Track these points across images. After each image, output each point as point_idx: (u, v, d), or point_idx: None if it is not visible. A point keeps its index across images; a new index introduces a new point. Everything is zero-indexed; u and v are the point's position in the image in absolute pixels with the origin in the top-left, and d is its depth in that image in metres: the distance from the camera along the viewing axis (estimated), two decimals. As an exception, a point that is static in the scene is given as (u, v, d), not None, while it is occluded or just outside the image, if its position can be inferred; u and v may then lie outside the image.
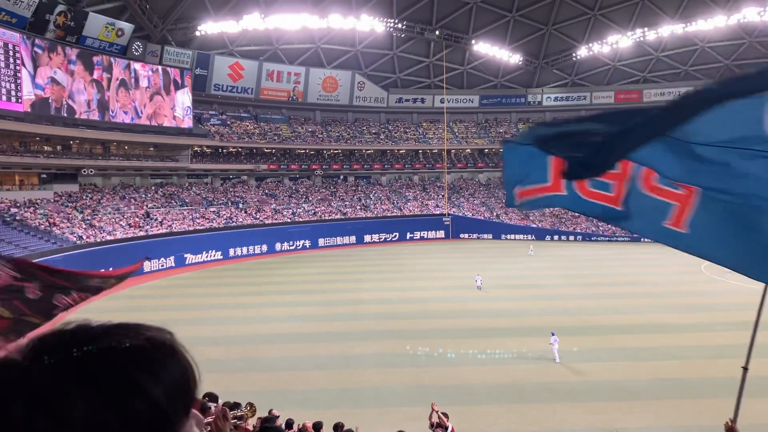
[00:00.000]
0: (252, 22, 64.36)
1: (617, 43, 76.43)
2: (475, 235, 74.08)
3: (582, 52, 79.30)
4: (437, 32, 76.45)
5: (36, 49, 49.91)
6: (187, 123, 65.50)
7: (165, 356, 1.01)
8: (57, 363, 0.92)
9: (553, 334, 23.81)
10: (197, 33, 64.75)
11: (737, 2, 69.41)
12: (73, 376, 0.91)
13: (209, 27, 63.87)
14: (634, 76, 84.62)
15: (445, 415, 13.61)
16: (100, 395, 0.90)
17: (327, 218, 69.74)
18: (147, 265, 49.32)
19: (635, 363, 22.82)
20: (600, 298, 35.29)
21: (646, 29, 73.88)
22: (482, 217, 76.29)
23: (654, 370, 21.91)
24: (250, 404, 10.04)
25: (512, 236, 71.87)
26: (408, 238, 72.20)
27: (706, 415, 17.79)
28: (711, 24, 70.47)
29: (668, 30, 73.12)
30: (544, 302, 34.38)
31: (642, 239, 69.23)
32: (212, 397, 8.55)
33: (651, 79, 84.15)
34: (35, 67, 49.80)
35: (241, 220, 63.53)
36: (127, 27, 57.65)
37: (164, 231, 55.09)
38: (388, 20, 71.82)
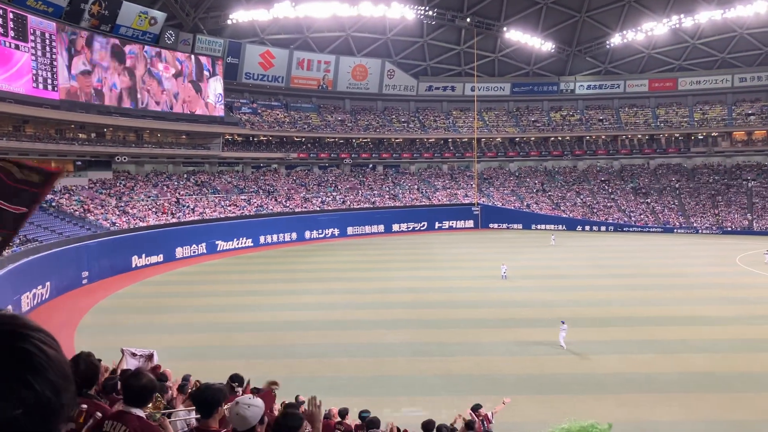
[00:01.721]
0: (282, 11, 64.48)
1: (652, 30, 74.84)
2: (504, 225, 73.63)
3: (616, 39, 77.89)
4: (468, 19, 75.77)
5: (71, 37, 50.72)
6: (219, 111, 66.07)
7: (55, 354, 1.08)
8: None
9: (563, 322, 23.75)
10: (229, 21, 65.16)
11: (778, -13, 67.40)
12: None
13: (240, 15, 64.22)
14: (669, 64, 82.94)
15: (477, 408, 13.31)
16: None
17: (356, 207, 69.93)
18: (179, 251, 50.13)
19: (665, 355, 22.55)
20: (629, 290, 34.87)
21: (682, 16, 72.15)
22: (512, 207, 75.77)
23: (684, 363, 21.63)
24: (274, 382, 10.20)
25: (542, 226, 71.28)
26: (437, 227, 72.07)
27: (738, 409, 17.55)
28: (751, 10, 68.54)
29: (706, 16, 71.36)
30: (573, 293, 34.11)
31: (675, 230, 68.18)
32: (238, 379, 8.69)
33: (686, 67, 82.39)
34: (70, 56, 50.62)
35: (271, 207, 64.04)
36: (160, 15, 58.23)
37: (196, 218, 55.79)
38: (419, 7, 71.36)
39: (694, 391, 19.02)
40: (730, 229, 66.89)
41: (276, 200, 65.97)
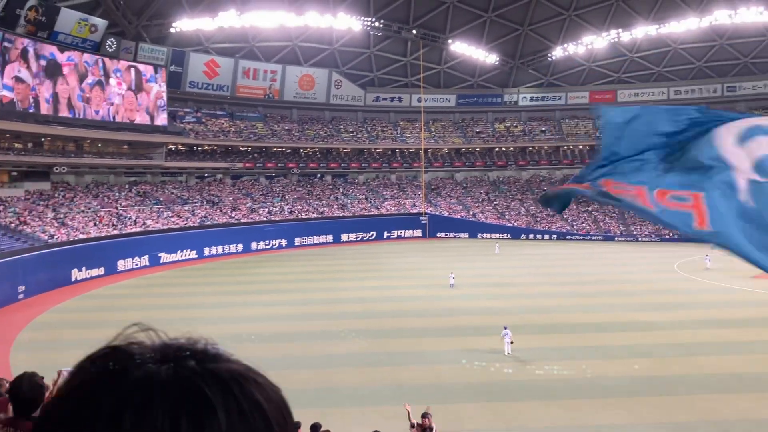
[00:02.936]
0: (228, 20, 63.86)
1: (592, 43, 77.24)
2: (451, 234, 74.35)
3: (557, 52, 80.00)
4: (414, 31, 76.57)
5: (6, 44, 48.94)
6: (162, 120, 64.81)
7: (266, 383, 1.06)
8: (195, 371, 0.92)
9: (505, 328, 24.10)
10: (172, 30, 64.10)
11: (709, 5, 70.58)
12: (208, 386, 0.89)
13: (185, 24, 63.27)
14: (609, 77, 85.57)
15: (425, 416, 13.37)
16: (233, 407, 0.89)
17: (304, 217, 69.50)
18: (121, 264, 48.78)
19: (608, 361, 23.07)
20: (574, 296, 35.61)
21: (620, 30, 74.74)
22: (459, 216, 76.61)
23: (627, 368, 22.17)
24: None
25: (488, 235, 72.23)
26: (385, 237, 72.24)
27: (679, 412, 18.07)
28: (683, 26, 71.55)
29: (642, 31, 74.09)
30: (518, 300, 34.64)
31: (616, 238, 70.18)
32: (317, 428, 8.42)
33: (625, 79, 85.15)
34: (4, 63, 48.83)
35: (216, 218, 63.06)
36: (101, 23, 56.83)
37: (138, 230, 54.47)
38: (365, 19, 71.75)
39: (637, 394, 19.49)
40: (668, 236, 69.11)
41: (221, 211, 64.99)
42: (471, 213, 77.48)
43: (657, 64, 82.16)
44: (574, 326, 28.23)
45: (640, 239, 69.51)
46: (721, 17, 69.20)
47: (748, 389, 19.59)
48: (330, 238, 68.58)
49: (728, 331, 26.45)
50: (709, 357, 23.13)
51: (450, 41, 78.05)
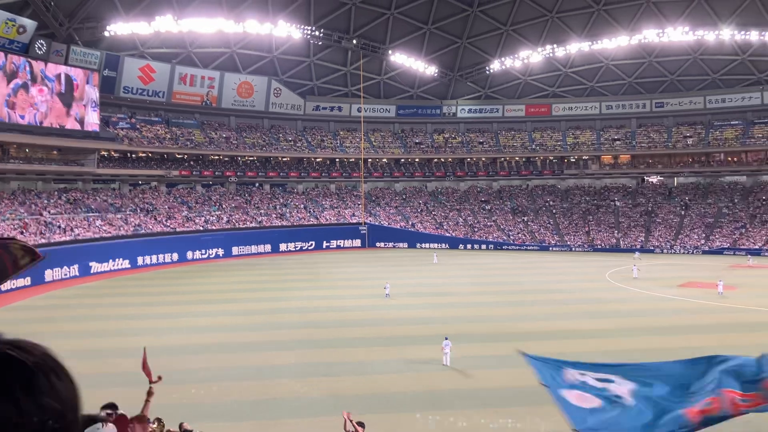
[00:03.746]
0: (165, 24, 62.53)
1: (528, 58, 79.22)
2: (390, 244, 74.65)
3: (495, 65, 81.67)
4: (354, 41, 76.83)
5: (-74, 43, 46.60)
6: (94, 126, 62.81)
7: (60, 373, 1.24)
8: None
9: (446, 339, 24.28)
10: (106, 33, 62.26)
11: (638, 23, 73.47)
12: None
13: (119, 27, 61.58)
14: (544, 91, 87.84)
15: (361, 424, 13.43)
16: (13, 392, 1.08)
17: (241, 226, 68.54)
18: (48, 274, 46.88)
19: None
20: (510, 305, 36.24)
21: (555, 46, 76.95)
22: (398, 226, 77.01)
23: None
24: (158, 419, 9.65)
25: (427, 245, 72.87)
26: (324, 246, 71.94)
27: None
28: (615, 43, 74.27)
29: (576, 47, 76.46)
30: (456, 310, 35.01)
31: (550, 248, 71.92)
32: (112, 407, 8.15)
33: (559, 94, 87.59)
34: (-75, 62, 46.47)
35: (150, 227, 61.47)
36: (30, 24, 54.78)
37: (68, 238, 52.56)
38: (306, 27, 71.55)
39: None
40: (599, 246, 71.29)
41: (156, 219, 63.41)
42: (410, 223, 78.02)
43: (590, 80, 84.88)
44: (511, 335, 28.68)
45: (573, 249, 71.41)
46: (649, 36, 72.20)
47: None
48: (268, 247, 67.84)
49: (659, 339, 27.40)
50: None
51: (390, 52, 78.66)
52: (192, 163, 74.13)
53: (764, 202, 73.84)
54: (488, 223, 78.64)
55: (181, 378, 22.67)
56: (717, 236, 69.38)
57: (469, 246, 73.38)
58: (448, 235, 75.70)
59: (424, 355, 25.09)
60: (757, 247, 64.94)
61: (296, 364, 24.41)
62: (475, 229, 77.14)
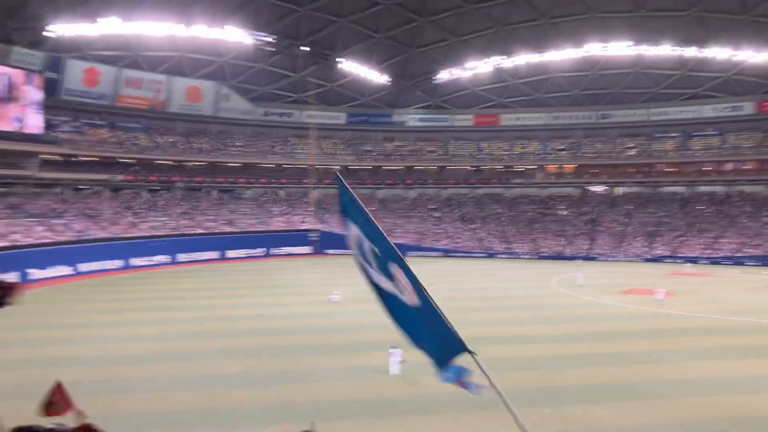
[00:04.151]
0: (111, 27, 61.29)
1: (476, 68, 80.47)
2: (341, 251, 74.44)
3: (444, 75, 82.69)
4: (305, 48, 76.65)
5: None
6: (35, 129, 61.00)
7: None
8: None
9: (395, 348, 24.06)
10: (49, 34, 60.60)
11: (583, 37, 75.50)
12: None
13: (63, 28, 60.14)
14: (492, 101, 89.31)
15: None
16: None
17: (188, 233, 67.39)
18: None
19: (491, 373, 23.76)
20: (458, 312, 36.40)
21: (503, 57, 78.41)
22: (348, 233, 76.80)
23: (509, 380, 22.97)
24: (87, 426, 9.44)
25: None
26: (274, 254, 71.34)
27: (558, 421, 18.94)
28: (561, 55, 76.17)
29: (523, 59, 78.06)
30: (407, 317, 35.12)
31: (498, 255, 73.03)
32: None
33: (507, 104, 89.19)
34: None
35: (94, 233, 59.89)
36: (-33, 22, 52.91)
37: (7, 244, 50.77)
38: (256, 33, 71.08)
39: (517, 406, 20.23)
40: (545, 254, 72.70)
41: (99, 225, 61.83)
42: (360, 230, 77.92)
43: (537, 91, 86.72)
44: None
45: (520, 256, 72.65)
46: (593, 49, 74.29)
47: (630, 398, 20.88)
48: (216, 254, 66.91)
49: (601, 344, 28.13)
50: (579, 369, 24.46)
51: (341, 59, 78.76)
52: (138, 167, 72.64)
53: (701, 212, 76.67)
54: (437, 231, 79.35)
55: (126, 387, 22.18)
56: (658, 244, 71.63)
57: (418, 253, 73.78)
58: (397, 242, 75.78)
59: (374, 362, 25.13)
60: (695, 254, 67.29)
61: (244, 373, 24.13)
62: (425, 237, 77.72)
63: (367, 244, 6.46)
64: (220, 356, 26.51)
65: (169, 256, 63.04)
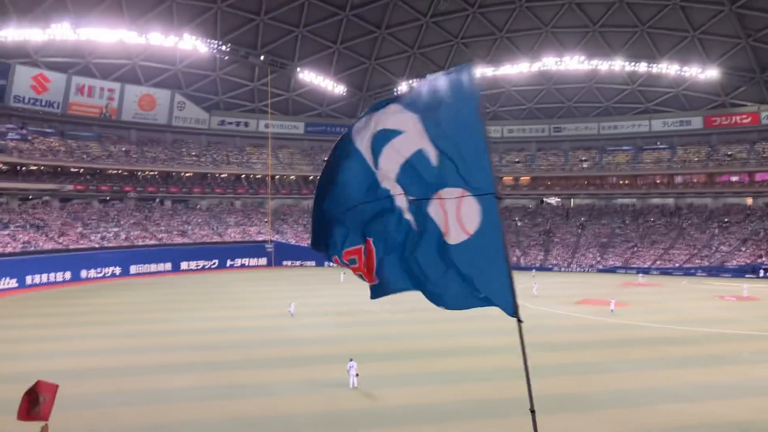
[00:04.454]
0: (61, 32, 59.76)
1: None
2: (298, 263, 73.88)
3: (403, 87, 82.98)
4: (262, 57, 76.11)
5: None
6: (-20, 136, 58.95)
7: None
8: None
9: (351, 360, 23.90)
10: (-5, 38, 58.81)
11: (539, 51, 76.85)
12: None
13: (10, 33, 58.35)
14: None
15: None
16: None
17: (140, 244, 65.92)
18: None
19: (447, 386, 23.77)
20: (414, 323, 36.51)
21: (460, 70, 79.18)
22: (305, 244, 76.28)
23: (464, 392, 22.96)
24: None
25: (334, 264, 72.38)
26: (228, 265, 70.28)
27: (511, 432, 18.92)
28: (516, 69, 77.27)
29: (479, 72, 78.88)
30: (361, 328, 34.94)
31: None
32: None
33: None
34: None
35: (41, 244, 58.08)
36: None
37: (-54, 256, 48.87)
38: (212, 41, 70.28)
39: (473, 418, 20.21)
40: (501, 265, 73.20)
41: (47, 236, 60.00)
42: (317, 241, 77.40)
43: (493, 104, 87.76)
44: (415, 353, 28.88)
45: (476, 267, 73.00)
46: (548, 63, 75.61)
47: (577, 409, 21.00)
48: (169, 266, 65.57)
49: (554, 354, 28.33)
50: (543, 379, 24.56)
51: (299, 69, 78.44)
52: (88, 177, 70.84)
53: (653, 224, 78.44)
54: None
55: (74, 403, 21.36)
56: (610, 255, 72.95)
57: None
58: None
59: (330, 375, 24.81)
60: (646, 265, 68.73)
61: (195, 387, 23.53)
62: (382, 248, 77.55)
63: (418, 166, 4.87)
64: (170, 370, 25.81)
65: (120, 268, 61.52)
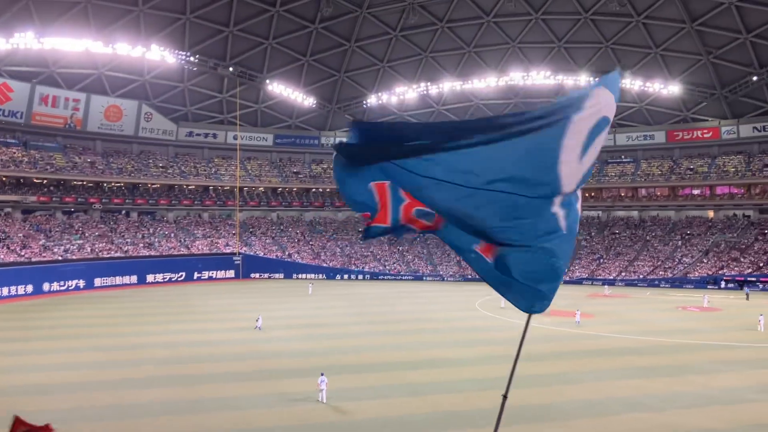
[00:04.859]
0: (24, 41, 58.81)
1: (404, 94, 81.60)
2: (266, 275, 73.38)
3: (372, 100, 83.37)
4: (231, 68, 75.79)
5: None
6: (-61, 146, 57.57)
7: None
8: None
9: (322, 374, 23.69)
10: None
11: (506, 65, 77.89)
12: None
13: (-28, 41, 57.26)
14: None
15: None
16: None
17: (105, 256, 64.85)
18: None
19: (416, 397, 23.81)
20: (384, 335, 36.55)
21: (429, 83, 79.91)
22: (274, 256, 75.90)
23: (433, 404, 23.02)
24: None
25: (303, 275, 72.29)
26: (196, 278, 69.48)
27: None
28: (484, 83, 78.17)
29: (448, 86, 79.73)
30: (331, 341, 34.81)
31: (424, 277, 73.59)
32: None
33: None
34: None
35: (2, 257, 56.80)
36: None
37: None
38: (180, 52, 69.78)
39: (443, 429, 20.25)
40: (470, 276, 73.70)
41: (8, 248, 58.70)
42: (287, 253, 77.16)
43: (462, 117, 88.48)
44: (385, 365, 28.88)
45: (446, 279, 73.42)
46: (515, 77, 76.65)
47: (544, 419, 21.19)
48: (134, 278, 64.62)
49: (525, 365, 28.52)
50: (511, 390, 24.72)
51: (268, 81, 78.25)
52: (52, 188, 69.56)
53: (617, 236, 79.73)
54: (365, 254, 79.32)
55: (37, 420, 20.82)
56: (576, 267, 73.90)
57: (345, 276, 73.55)
58: (325, 265, 75.52)
59: (299, 389, 24.67)
60: (611, 277, 69.76)
61: (162, 402, 23.19)
62: (352, 259, 77.54)
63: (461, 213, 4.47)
64: (134, 385, 25.40)
65: (84, 281, 60.42)
